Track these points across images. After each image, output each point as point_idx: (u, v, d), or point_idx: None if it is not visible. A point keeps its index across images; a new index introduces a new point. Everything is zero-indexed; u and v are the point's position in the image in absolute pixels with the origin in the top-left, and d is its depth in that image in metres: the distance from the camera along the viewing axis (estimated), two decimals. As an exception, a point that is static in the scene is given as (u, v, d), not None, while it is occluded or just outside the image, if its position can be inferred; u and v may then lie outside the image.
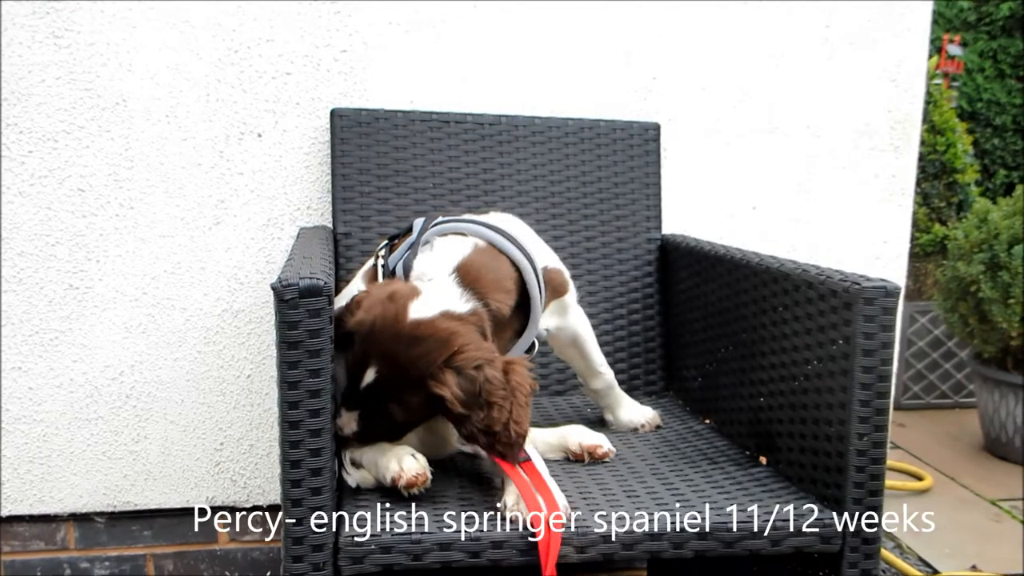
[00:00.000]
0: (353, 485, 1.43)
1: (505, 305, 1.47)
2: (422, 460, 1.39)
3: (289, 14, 2.01)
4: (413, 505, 1.34)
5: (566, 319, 1.70)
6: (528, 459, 1.40)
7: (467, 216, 1.62)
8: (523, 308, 1.53)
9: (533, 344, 1.58)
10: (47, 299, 2.01)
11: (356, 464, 1.44)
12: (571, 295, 1.70)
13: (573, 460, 1.57)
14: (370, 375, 1.36)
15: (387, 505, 1.34)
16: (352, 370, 1.39)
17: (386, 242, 1.68)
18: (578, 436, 1.58)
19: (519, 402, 1.34)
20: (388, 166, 1.99)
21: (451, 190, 2.01)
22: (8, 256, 1.98)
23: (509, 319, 1.49)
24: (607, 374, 1.78)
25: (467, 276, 1.45)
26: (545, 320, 1.62)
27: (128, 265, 2.03)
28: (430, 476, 1.37)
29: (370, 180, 1.98)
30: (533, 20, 2.11)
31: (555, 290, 1.63)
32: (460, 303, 1.42)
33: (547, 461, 1.48)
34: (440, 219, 1.60)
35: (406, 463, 1.37)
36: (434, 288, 1.43)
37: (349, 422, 1.40)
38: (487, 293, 1.45)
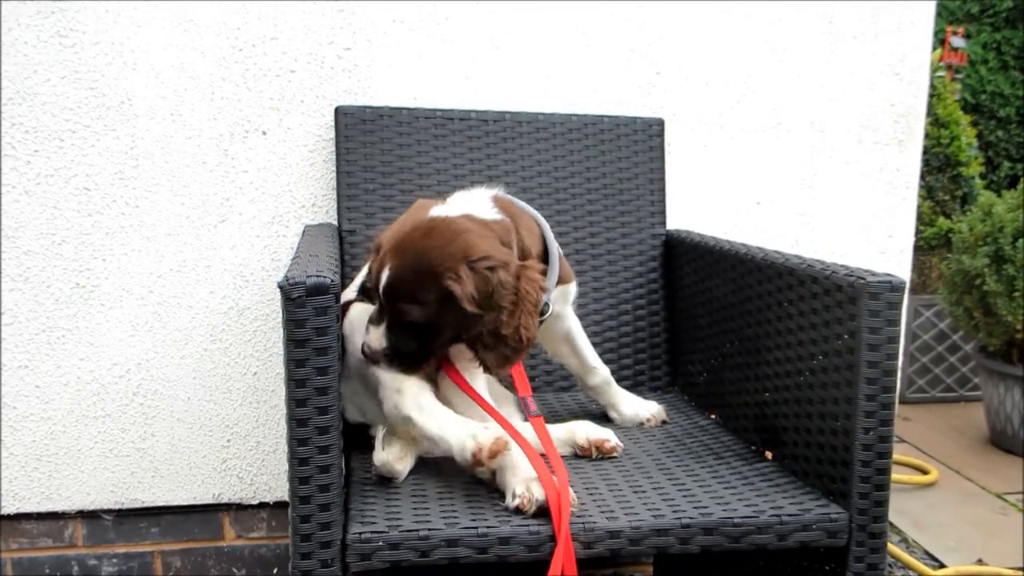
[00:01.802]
0: (377, 463, 1.42)
1: (533, 247, 1.50)
2: (495, 427, 1.36)
3: (293, 12, 2.02)
4: (420, 502, 1.35)
5: (565, 309, 1.71)
6: (539, 414, 1.40)
7: None
8: None
9: (547, 305, 1.57)
10: (54, 297, 2.02)
11: (390, 443, 1.43)
12: (574, 286, 1.71)
13: (581, 455, 1.58)
14: (386, 274, 1.37)
15: (395, 501, 1.35)
16: (375, 279, 1.40)
17: None
18: (585, 431, 1.59)
19: (527, 309, 1.37)
20: (392, 163, 1.99)
21: (455, 187, 1.99)
22: (14, 255, 1.99)
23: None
24: (602, 370, 1.78)
25: (499, 203, 1.49)
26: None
27: (134, 263, 2.04)
28: (509, 440, 1.34)
29: (374, 177, 1.98)
30: (536, 17, 2.11)
31: (564, 275, 1.64)
32: (489, 212, 1.45)
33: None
34: None
35: (481, 436, 1.33)
36: (465, 202, 1.46)
37: (378, 338, 1.40)
38: (517, 220, 1.48)
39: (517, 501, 1.31)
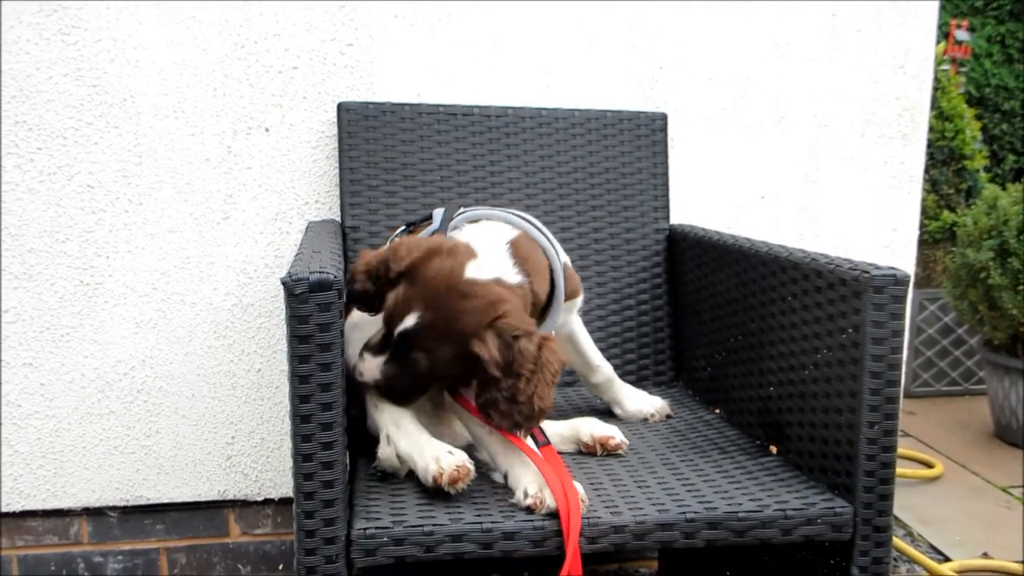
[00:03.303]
0: (382, 457, 1.43)
1: (543, 292, 1.50)
2: (460, 455, 1.37)
3: (295, 9, 2.01)
4: (424, 497, 1.35)
5: (568, 316, 1.71)
6: (548, 443, 1.41)
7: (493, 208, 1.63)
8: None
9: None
10: (58, 295, 2.02)
11: (390, 443, 1.44)
12: (580, 299, 1.71)
13: (585, 452, 1.57)
14: (411, 320, 1.36)
15: (399, 497, 1.35)
16: (391, 314, 1.39)
17: (403, 227, 1.68)
18: (590, 428, 1.58)
19: (545, 379, 1.36)
20: (395, 159, 1.99)
21: (458, 182, 2.01)
22: (18, 253, 1.99)
23: (540, 308, 1.51)
24: (605, 367, 1.79)
25: (518, 254, 1.47)
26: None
27: (138, 260, 2.04)
28: (472, 469, 1.36)
29: (377, 173, 1.98)
30: (539, 11, 2.11)
31: (572, 290, 1.63)
32: (513, 275, 1.44)
33: (559, 453, 1.48)
34: (464, 209, 1.61)
35: (444, 461, 1.35)
36: (491, 255, 1.45)
37: (372, 368, 1.40)
38: (532, 275, 1.47)
39: (529, 500, 1.31)
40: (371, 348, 1.42)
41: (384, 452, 1.43)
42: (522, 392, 1.34)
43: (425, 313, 1.36)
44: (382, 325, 1.42)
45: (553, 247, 1.56)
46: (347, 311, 1.55)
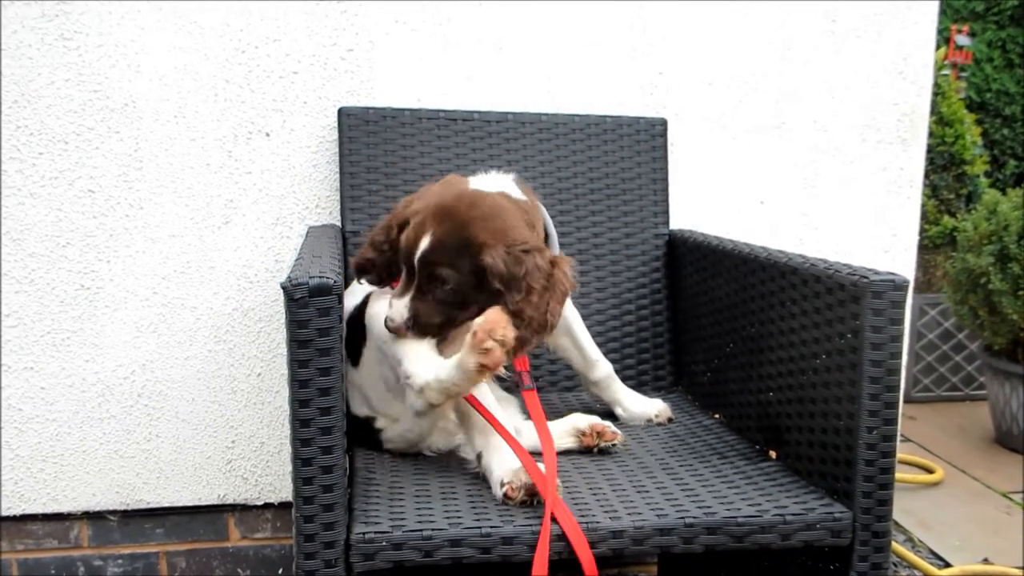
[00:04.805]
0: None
1: (539, 229, 1.53)
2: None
3: (296, 14, 2.02)
4: (423, 501, 1.35)
5: None
6: (533, 387, 1.43)
7: None
8: None
9: None
10: (58, 299, 2.02)
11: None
12: None
13: (583, 447, 1.58)
14: (426, 241, 1.40)
15: (398, 501, 1.35)
16: (408, 247, 1.41)
17: None
18: (587, 419, 1.61)
19: (556, 296, 1.39)
20: (396, 164, 1.99)
21: (459, 187, 2.01)
22: (19, 257, 2.00)
23: None
24: (603, 363, 1.79)
25: (521, 185, 1.54)
26: None
27: (138, 265, 2.04)
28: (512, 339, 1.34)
29: (378, 178, 1.98)
30: (538, 17, 2.11)
31: None
32: (516, 192, 1.50)
33: (559, 451, 1.49)
34: None
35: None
36: (494, 178, 1.52)
37: (400, 308, 1.41)
38: (532, 206, 1.53)
39: (504, 489, 1.32)
40: (396, 294, 1.44)
41: (396, 431, 1.50)
42: (534, 306, 1.37)
43: (438, 228, 1.40)
44: (402, 267, 1.44)
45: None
46: (365, 303, 1.56)
